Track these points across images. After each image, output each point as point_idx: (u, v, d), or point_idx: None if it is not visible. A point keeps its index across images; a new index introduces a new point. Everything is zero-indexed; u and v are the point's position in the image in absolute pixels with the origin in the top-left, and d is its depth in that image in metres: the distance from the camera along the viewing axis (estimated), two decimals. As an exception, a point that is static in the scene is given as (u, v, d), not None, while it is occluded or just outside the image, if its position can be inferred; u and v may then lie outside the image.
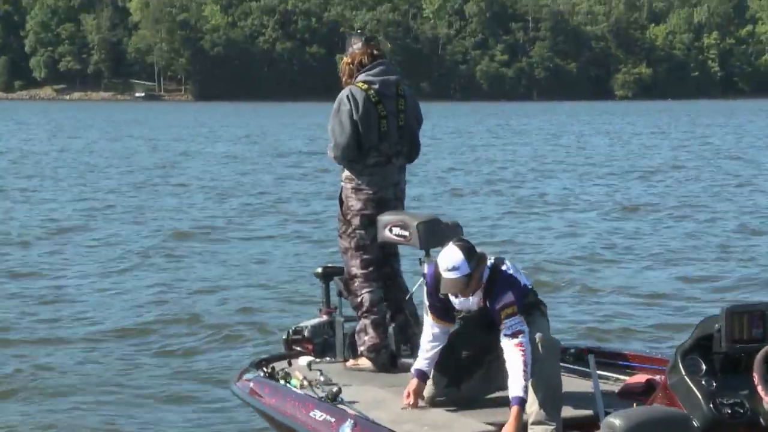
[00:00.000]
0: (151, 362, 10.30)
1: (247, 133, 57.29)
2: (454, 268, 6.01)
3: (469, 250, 6.05)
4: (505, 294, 6.04)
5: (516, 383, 5.88)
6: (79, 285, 13.97)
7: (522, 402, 5.85)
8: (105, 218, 20.99)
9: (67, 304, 12.86)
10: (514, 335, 5.96)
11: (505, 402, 6.22)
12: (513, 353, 5.94)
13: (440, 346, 6.38)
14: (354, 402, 6.23)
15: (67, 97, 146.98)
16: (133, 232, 18.86)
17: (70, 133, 56.17)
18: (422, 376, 6.35)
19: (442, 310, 6.34)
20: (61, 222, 20.27)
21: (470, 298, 6.19)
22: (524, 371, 5.89)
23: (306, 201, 24.33)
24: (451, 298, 6.24)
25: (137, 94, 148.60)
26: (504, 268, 6.16)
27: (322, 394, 6.29)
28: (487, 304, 6.12)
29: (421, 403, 6.30)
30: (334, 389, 6.30)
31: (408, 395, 6.29)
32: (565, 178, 30.18)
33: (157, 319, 11.93)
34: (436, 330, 6.36)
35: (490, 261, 6.16)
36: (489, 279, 6.12)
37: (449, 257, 6.05)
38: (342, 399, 6.24)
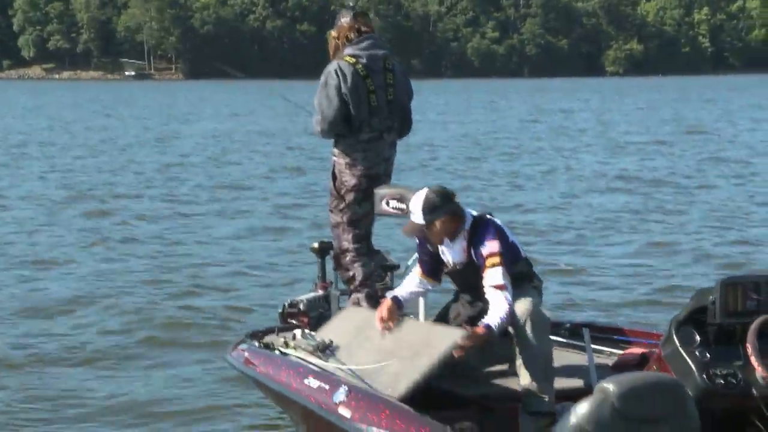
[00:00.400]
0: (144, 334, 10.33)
1: (235, 111, 57.16)
2: (411, 213, 6.14)
3: (431, 204, 6.06)
4: (489, 240, 6.00)
5: (491, 317, 5.87)
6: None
7: (489, 328, 5.81)
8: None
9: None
10: (497, 288, 5.91)
11: (501, 374, 6.26)
12: (495, 299, 5.91)
13: (420, 296, 6.52)
14: (343, 356, 6.23)
15: (57, 76, 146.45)
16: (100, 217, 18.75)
17: (49, 112, 56.05)
18: (396, 300, 6.34)
19: (430, 265, 6.36)
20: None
21: (451, 245, 6.18)
22: (502, 316, 5.84)
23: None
24: (440, 247, 6.24)
25: (127, 73, 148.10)
26: (491, 218, 6.15)
27: (313, 344, 6.31)
28: (472, 254, 6.09)
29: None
30: (326, 340, 6.33)
31: (381, 319, 6.22)
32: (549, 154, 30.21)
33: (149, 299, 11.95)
34: (419, 282, 6.42)
35: (474, 213, 6.17)
36: (473, 226, 6.11)
37: (413, 199, 6.16)
38: (332, 351, 6.25)
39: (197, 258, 14.33)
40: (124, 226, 17.14)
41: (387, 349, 6.06)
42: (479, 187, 22.27)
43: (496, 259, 5.96)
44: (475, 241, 6.07)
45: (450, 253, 6.25)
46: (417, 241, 6.39)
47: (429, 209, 6.08)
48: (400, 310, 6.34)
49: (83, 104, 67.19)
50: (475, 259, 6.08)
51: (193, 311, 11.19)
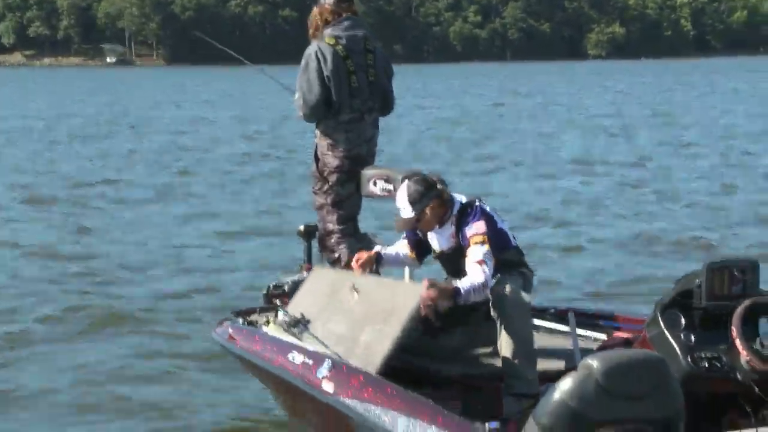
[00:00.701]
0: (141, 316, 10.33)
1: (216, 97, 57.00)
2: (400, 209, 6.15)
3: (416, 193, 6.07)
4: (474, 222, 6.02)
5: (462, 281, 5.87)
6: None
7: (457, 290, 5.81)
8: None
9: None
10: (477, 263, 5.90)
11: (486, 355, 6.24)
12: (472, 271, 5.90)
13: (402, 264, 6.58)
14: (318, 326, 6.21)
15: (37, 63, 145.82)
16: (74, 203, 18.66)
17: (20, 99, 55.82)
18: (378, 255, 6.47)
19: (416, 246, 6.43)
20: None
21: (440, 231, 6.19)
22: (474, 283, 5.84)
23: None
24: (429, 234, 6.26)
25: (108, 59, 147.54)
26: (479, 204, 6.15)
27: (286, 321, 6.31)
28: (460, 239, 6.09)
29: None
30: (298, 316, 6.32)
31: (357, 261, 6.34)
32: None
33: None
34: (404, 253, 6.49)
35: (463, 199, 6.17)
36: (460, 211, 6.12)
37: (398, 197, 6.17)
38: (305, 326, 6.24)
39: (180, 240, 14.35)
40: (99, 211, 17.15)
41: (358, 313, 6.05)
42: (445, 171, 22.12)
43: (480, 238, 5.97)
44: (461, 224, 6.08)
45: (438, 240, 6.25)
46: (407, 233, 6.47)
47: (415, 200, 6.09)
48: (377, 264, 6.47)
49: (56, 91, 67.01)
50: (461, 242, 6.08)
51: (177, 293, 11.21)
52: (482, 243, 5.95)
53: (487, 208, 6.15)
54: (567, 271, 12.18)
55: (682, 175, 20.94)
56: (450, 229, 6.16)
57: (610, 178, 20.79)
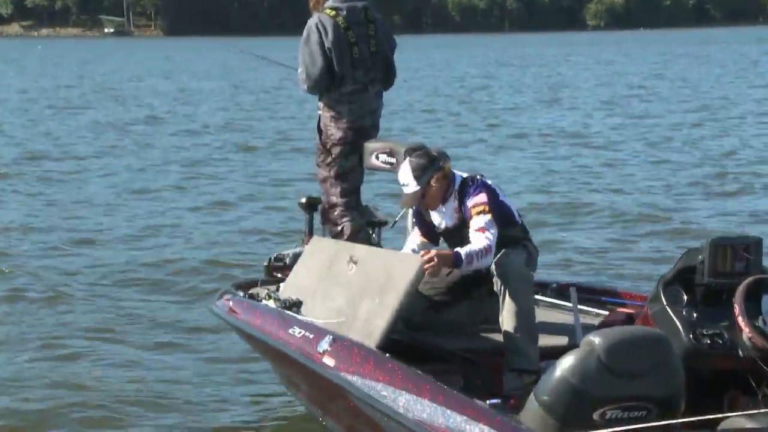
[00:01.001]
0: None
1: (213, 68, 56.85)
2: (404, 185, 6.11)
3: (419, 167, 6.06)
4: (476, 194, 6.01)
5: (464, 248, 5.85)
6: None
7: (457, 255, 5.81)
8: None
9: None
10: (479, 230, 5.90)
11: (487, 330, 6.24)
12: (475, 238, 5.88)
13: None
14: (317, 301, 6.20)
15: (35, 33, 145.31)
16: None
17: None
18: None
19: (427, 231, 6.38)
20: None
21: (443, 209, 6.17)
22: (475, 249, 5.83)
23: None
24: (432, 213, 6.24)
25: (106, 30, 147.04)
26: (480, 177, 6.15)
27: (282, 301, 6.30)
28: (463, 212, 6.08)
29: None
30: (294, 298, 6.31)
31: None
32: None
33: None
34: (420, 243, 6.39)
35: (464, 174, 6.16)
36: (462, 185, 6.12)
37: (401, 173, 6.14)
38: (299, 311, 6.22)
39: (179, 210, 14.33)
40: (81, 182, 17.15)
41: (356, 285, 6.01)
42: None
43: (481, 208, 5.97)
44: (463, 197, 6.08)
45: (442, 217, 6.24)
46: (412, 212, 6.42)
47: (419, 173, 6.06)
48: None
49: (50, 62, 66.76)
50: (464, 215, 6.07)
51: (178, 263, 11.21)
52: (484, 213, 5.95)
53: (489, 182, 6.15)
54: (567, 247, 12.15)
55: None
56: (453, 204, 6.15)
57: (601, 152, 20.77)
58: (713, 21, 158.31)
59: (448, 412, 4.83)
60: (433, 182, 6.08)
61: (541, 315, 6.47)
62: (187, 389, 7.56)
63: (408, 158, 6.17)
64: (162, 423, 6.96)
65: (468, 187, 6.08)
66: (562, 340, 6.13)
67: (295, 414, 7.07)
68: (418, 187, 6.08)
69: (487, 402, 5.37)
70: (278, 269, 7.34)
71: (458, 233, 6.13)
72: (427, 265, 5.72)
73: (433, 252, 5.78)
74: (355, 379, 5.41)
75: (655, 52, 72.44)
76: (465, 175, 6.18)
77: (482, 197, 6.00)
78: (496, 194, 6.12)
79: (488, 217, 5.94)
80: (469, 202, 6.01)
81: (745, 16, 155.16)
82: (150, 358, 8.24)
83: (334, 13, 7.21)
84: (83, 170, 18.62)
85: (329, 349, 5.67)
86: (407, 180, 6.10)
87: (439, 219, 6.26)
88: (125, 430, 6.87)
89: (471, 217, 5.98)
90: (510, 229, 6.12)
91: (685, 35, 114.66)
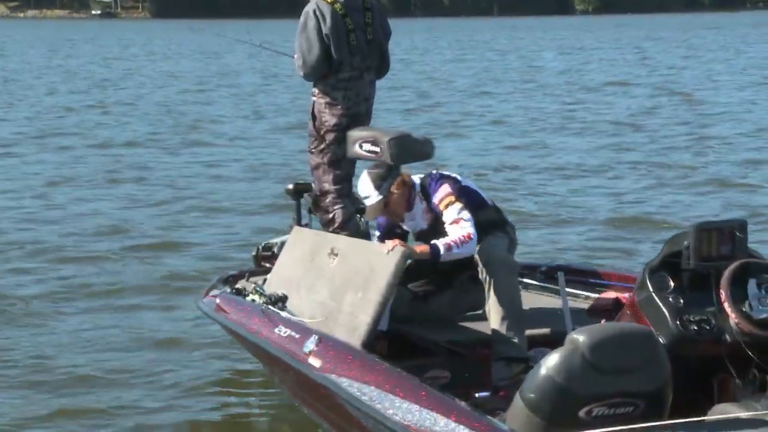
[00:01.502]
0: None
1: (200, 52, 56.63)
2: (365, 197, 6.18)
3: (378, 176, 6.14)
4: (439, 188, 6.05)
5: (442, 240, 5.84)
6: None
7: (434, 248, 5.80)
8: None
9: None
10: (453, 222, 5.92)
11: (476, 317, 6.25)
12: (452, 230, 5.89)
13: None
14: (302, 295, 6.19)
15: (21, 15, 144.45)
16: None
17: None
18: None
19: (387, 229, 6.44)
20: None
21: (413, 215, 6.21)
22: (454, 240, 5.82)
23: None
24: (404, 225, 6.29)
25: (94, 12, 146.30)
26: (436, 171, 6.21)
27: (267, 296, 6.28)
28: (432, 209, 6.10)
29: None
30: (279, 293, 6.29)
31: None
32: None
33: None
34: None
35: (417, 178, 6.21)
36: (422, 186, 6.17)
37: (360, 187, 6.21)
38: (284, 306, 6.21)
39: (165, 196, 14.35)
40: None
41: (338, 278, 6.01)
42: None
43: (450, 199, 6.00)
44: (429, 197, 6.12)
45: (415, 222, 6.27)
46: (380, 228, 6.49)
47: (379, 182, 6.15)
48: None
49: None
50: (435, 213, 6.09)
51: (167, 253, 11.19)
52: (452, 203, 5.98)
53: (445, 172, 6.21)
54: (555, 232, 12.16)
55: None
56: (421, 206, 6.19)
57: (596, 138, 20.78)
58: (702, 7, 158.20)
59: (432, 414, 4.79)
60: (393, 189, 6.15)
61: (530, 299, 6.49)
62: (170, 375, 7.59)
63: (365, 171, 6.24)
64: (143, 405, 7.01)
65: (428, 185, 6.12)
66: (551, 326, 6.14)
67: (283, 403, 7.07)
68: (380, 197, 6.14)
69: (477, 395, 5.38)
70: (267, 258, 7.31)
71: (436, 232, 6.10)
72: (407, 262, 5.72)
73: (397, 241, 5.77)
74: (340, 380, 5.37)
75: (633, 36, 72.25)
76: (421, 175, 6.22)
77: (445, 188, 6.04)
78: (458, 181, 6.15)
79: (458, 206, 5.97)
80: (435, 199, 6.05)
81: (732, 2, 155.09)
82: (133, 356, 8.18)
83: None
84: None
85: (315, 349, 5.65)
86: (368, 191, 6.18)
87: (412, 225, 6.29)
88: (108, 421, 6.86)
89: (441, 213, 6.00)
90: (483, 212, 6.13)
91: (672, 20, 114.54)
